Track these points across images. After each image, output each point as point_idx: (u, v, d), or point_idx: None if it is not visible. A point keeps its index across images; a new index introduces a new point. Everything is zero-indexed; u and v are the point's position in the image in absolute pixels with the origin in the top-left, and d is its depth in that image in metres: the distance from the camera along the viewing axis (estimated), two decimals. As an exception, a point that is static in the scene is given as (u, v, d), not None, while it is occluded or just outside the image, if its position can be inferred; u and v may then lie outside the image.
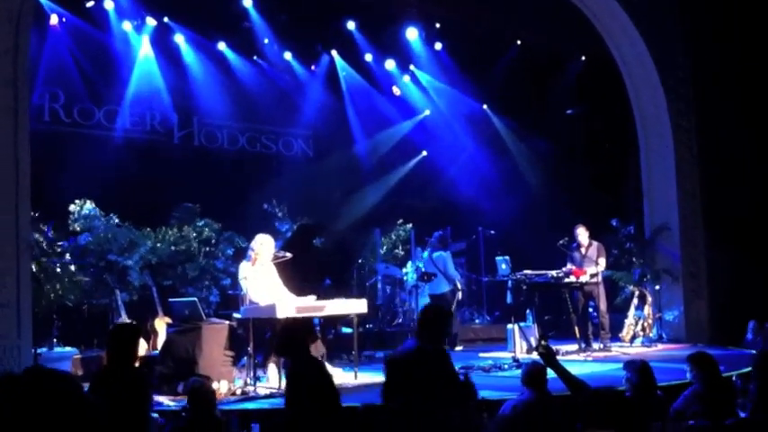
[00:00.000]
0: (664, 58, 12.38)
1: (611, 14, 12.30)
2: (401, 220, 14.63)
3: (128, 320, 9.04)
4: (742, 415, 5.66)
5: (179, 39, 13.63)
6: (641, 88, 12.68)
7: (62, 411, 2.21)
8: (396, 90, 16.24)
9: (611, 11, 12.22)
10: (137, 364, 5.23)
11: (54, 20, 12.29)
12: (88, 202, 10.74)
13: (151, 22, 13.02)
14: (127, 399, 4.35)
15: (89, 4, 12.30)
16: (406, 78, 16.10)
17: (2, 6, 7.87)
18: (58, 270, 9.65)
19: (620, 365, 6.28)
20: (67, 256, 10.02)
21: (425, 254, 12.44)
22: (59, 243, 10.16)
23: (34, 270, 8.74)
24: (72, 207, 10.65)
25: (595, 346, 10.86)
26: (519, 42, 14.83)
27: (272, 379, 8.08)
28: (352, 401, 6.77)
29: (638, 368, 5.75)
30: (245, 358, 8.15)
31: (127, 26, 12.94)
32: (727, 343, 10.92)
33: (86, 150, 12.41)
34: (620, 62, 12.72)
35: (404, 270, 13.67)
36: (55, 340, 9.38)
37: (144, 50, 13.30)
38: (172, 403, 7.02)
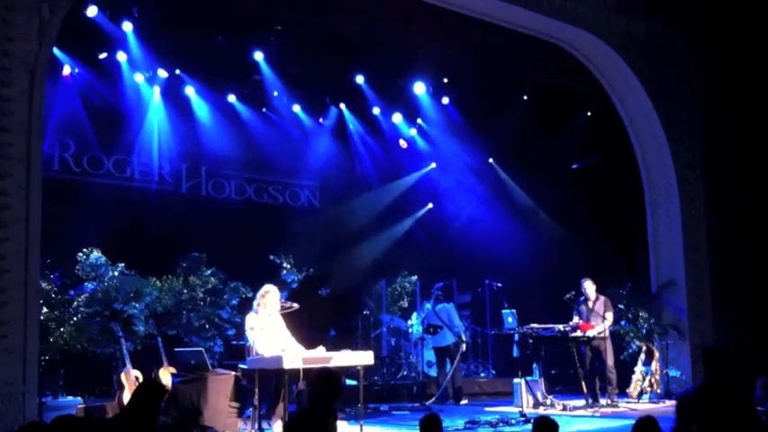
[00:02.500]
0: (669, 113, 12.49)
1: (616, 69, 12.44)
2: (406, 272, 14.62)
3: (133, 370, 9.00)
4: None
5: (190, 90, 13.81)
6: (646, 143, 12.77)
7: None
8: (402, 143, 16.38)
9: (616, 65, 12.37)
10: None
11: (67, 70, 12.47)
12: (95, 250, 10.77)
13: (163, 73, 13.20)
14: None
15: (102, 56, 12.48)
16: (413, 131, 16.25)
17: (19, 54, 7.98)
18: (66, 318, 9.62)
19: (629, 422, 6.22)
20: (75, 304, 10.01)
21: (428, 305, 12.42)
22: (67, 291, 10.16)
23: (42, 318, 8.72)
24: (79, 255, 10.68)
25: (603, 401, 10.76)
26: (525, 98, 14.98)
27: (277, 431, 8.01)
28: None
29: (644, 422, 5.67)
30: (251, 409, 8.09)
31: (139, 78, 13.12)
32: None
33: (95, 199, 12.51)
34: (624, 117, 12.84)
35: (409, 322, 13.63)
36: (59, 390, 9.32)
37: (155, 101, 13.48)
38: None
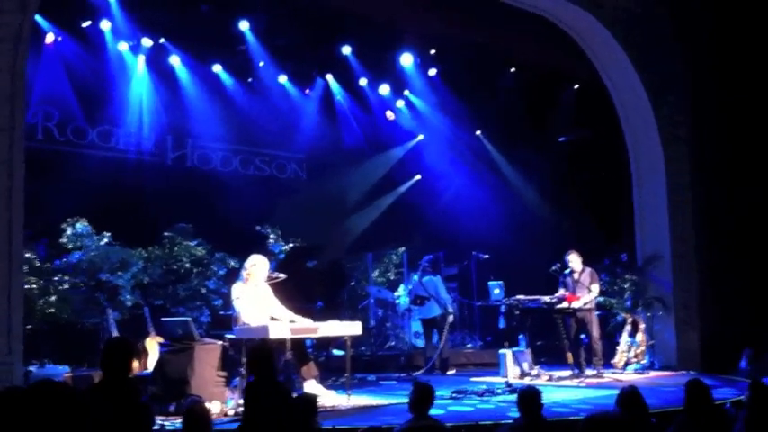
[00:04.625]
0: (656, 88, 12.47)
1: (604, 43, 12.39)
2: (394, 244, 14.61)
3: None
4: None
5: (174, 60, 13.66)
6: (633, 116, 12.76)
7: (70, 427, 2.18)
8: (390, 114, 16.30)
9: (604, 39, 12.32)
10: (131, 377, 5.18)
11: (50, 39, 12.29)
12: (81, 220, 10.69)
13: (147, 43, 13.04)
14: (126, 412, 4.31)
15: (85, 24, 12.32)
16: (401, 103, 16.18)
17: (2, 25, 7.87)
18: (51, 288, 9.57)
19: (613, 392, 6.26)
20: (60, 275, 9.95)
21: (415, 277, 12.44)
22: (52, 261, 10.09)
23: (26, 287, 8.67)
24: (64, 225, 10.61)
25: (588, 372, 10.84)
26: (513, 70, 14.93)
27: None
28: (345, 423, 6.75)
29: (627, 393, 5.72)
30: (238, 379, 8.09)
31: (123, 47, 12.97)
32: (719, 371, 10.92)
33: (79, 169, 12.39)
34: (612, 91, 12.81)
35: (396, 293, 13.66)
36: (46, 359, 9.29)
37: (139, 71, 13.33)
38: (166, 423, 6.94)
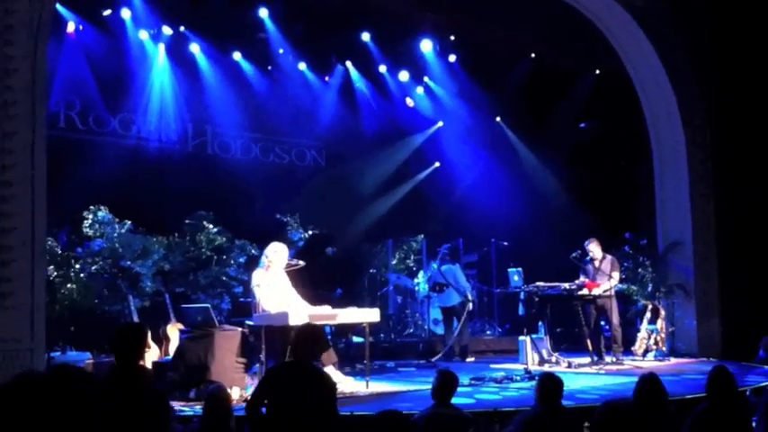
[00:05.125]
0: (678, 74, 12.37)
1: (627, 30, 12.31)
2: (413, 231, 14.60)
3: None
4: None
5: (194, 48, 13.70)
6: (655, 103, 12.67)
7: (88, 413, 2.20)
8: (409, 101, 16.27)
9: (626, 27, 12.24)
10: (142, 363, 5.19)
11: (71, 27, 12.37)
12: (102, 208, 10.79)
13: (167, 31, 13.09)
14: (137, 399, 4.34)
15: (106, 13, 12.39)
16: (420, 90, 16.13)
17: (22, 13, 7.94)
18: (72, 275, 9.68)
19: (633, 379, 6.25)
20: (81, 262, 10.06)
21: (434, 265, 12.45)
22: (74, 248, 10.20)
23: (48, 275, 8.77)
24: (86, 213, 10.71)
25: (608, 359, 10.81)
26: (533, 55, 14.84)
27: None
28: (364, 410, 6.79)
29: (647, 380, 5.70)
30: (257, 365, 8.15)
31: (143, 35, 13.03)
32: (739, 358, 10.86)
33: (101, 157, 12.47)
34: (634, 77, 12.72)
35: (415, 281, 13.67)
36: (68, 345, 9.41)
37: (159, 59, 13.39)
38: (185, 409, 7.02)
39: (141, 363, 5.09)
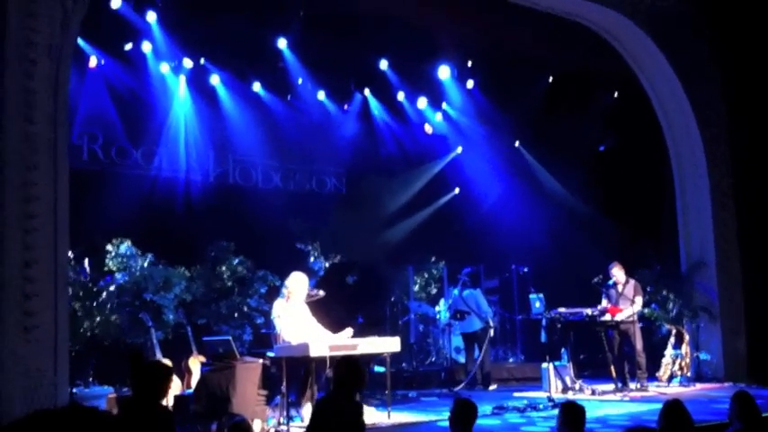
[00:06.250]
0: (697, 92, 12.32)
1: (644, 48, 12.31)
2: (434, 258, 14.58)
3: (162, 359, 9.09)
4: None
5: (215, 80, 13.85)
6: (675, 123, 12.62)
7: None
8: (428, 128, 16.32)
9: (643, 45, 12.24)
10: (164, 403, 5.19)
11: (93, 62, 12.54)
12: (126, 241, 10.87)
13: (188, 63, 13.24)
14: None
15: (127, 47, 12.55)
16: (439, 116, 16.17)
17: (44, 45, 8.00)
18: (95, 308, 9.74)
19: (658, 405, 6.17)
20: (104, 295, 10.13)
21: (455, 291, 12.41)
22: (96, 282, 10.27)
23: (72, 308, 8.82)
24: (109, 246, 10.79)
25: (632, 385, 10.69)
26: (551, 79, 14.84)
27: (307, 418, 8.05)
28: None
29: (671, 407, 5.62)
30: (279, 397, 8.15)
31: (164, 68, 13.18)
32: (767, 382, 10.70)
33: (123, 190, 12.59)
34: (652, 97, 12.70)
35: (437, 308, 13.63)
36: (90, 378, 9.45)
37: (180, 91, 13.54)
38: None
39: (164, 401, 5.09)
